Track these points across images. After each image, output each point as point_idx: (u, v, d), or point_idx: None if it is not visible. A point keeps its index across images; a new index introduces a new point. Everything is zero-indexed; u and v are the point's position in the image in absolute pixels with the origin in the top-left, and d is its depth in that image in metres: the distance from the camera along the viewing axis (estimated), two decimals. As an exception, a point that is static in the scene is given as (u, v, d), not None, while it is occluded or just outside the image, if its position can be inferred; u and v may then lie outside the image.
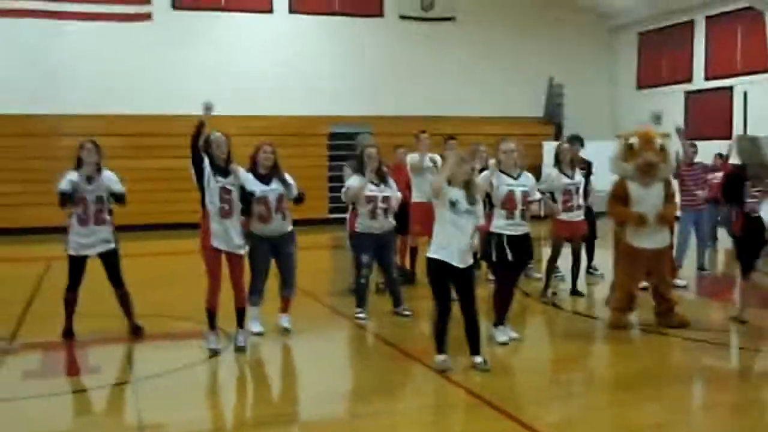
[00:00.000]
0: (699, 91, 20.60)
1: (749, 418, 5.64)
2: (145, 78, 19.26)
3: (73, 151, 16.62)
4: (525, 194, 7.13)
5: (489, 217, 7.12)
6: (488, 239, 7.10)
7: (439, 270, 6.30)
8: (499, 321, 7.33)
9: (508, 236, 7.07)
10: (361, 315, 8.48)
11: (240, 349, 7.18)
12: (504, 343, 7.21)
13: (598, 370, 7.00)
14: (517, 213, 7.09)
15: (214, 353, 7.08)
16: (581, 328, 8.39)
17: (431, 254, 6.35)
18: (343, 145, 18.03)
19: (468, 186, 6.33)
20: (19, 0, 18.36)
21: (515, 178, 7.19)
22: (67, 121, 18.66)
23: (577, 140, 10.63)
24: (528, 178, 7.36)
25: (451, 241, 6.22)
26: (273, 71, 20.17)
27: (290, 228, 7.83)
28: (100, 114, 18.58)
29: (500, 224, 7.09)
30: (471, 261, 6.42)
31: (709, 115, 19.82)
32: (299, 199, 7.79)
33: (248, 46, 20.23)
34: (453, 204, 6.21)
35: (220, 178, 6.99)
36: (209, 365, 6.99)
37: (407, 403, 6.01)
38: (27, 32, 18.60)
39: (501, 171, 7.20)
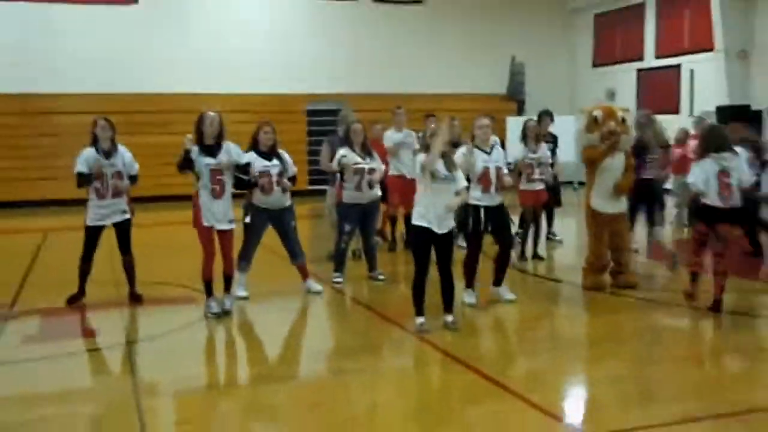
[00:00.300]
0: (650, 69, 20.66)
1: (697, 370, 5.73)
2: (133, 58, 19.02)
3: (67, 128, 16.59)
4: (498, 169, 7.15)
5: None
6: (465, 210, 7.06)
7: (421, 235, 6.34)
8: (468, 284, 7.36)
9: (485, 207, 7.10)
10: (338, 279, 8.49)
11: (226, 312, 7.19)
12: (472, 305, 7.26)
13: (560, 329, 7.04)
14: (492, 187, 7.12)
15: (216, 316, 7.07)
16: (544, 290, 8.45)
17: (414, 221, 6.38)
18: (321, 120, 17.97)
19: (445, 155, 6.34)
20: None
21: (488, 153, 7.21)
22: (61, 99, 18.40)
23: (547, 115, 10.69)
24: (499, 152, 7.40)
25: (429, 209, 6.25)
26: (254, 51, 19.97)
27: (289, 202, 7.84)
28: (92, 92, 18.32)
29: (476, 196, 7.09)
30: (451, 225, 6.43)
31: (659, 91, 19.91)
32: (292, 179, 7.81)
33: (229, 27, 19.98)
34: (433, 174, 6.22)
35: (209, 160, 6.92)
36: (200, 328, 6.95)
37: (387, 361, 6.04)
38: (20, 15, 18.27)
39: (476, 146, 7.18)
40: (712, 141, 7.25)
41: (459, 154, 7.01)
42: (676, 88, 19.54)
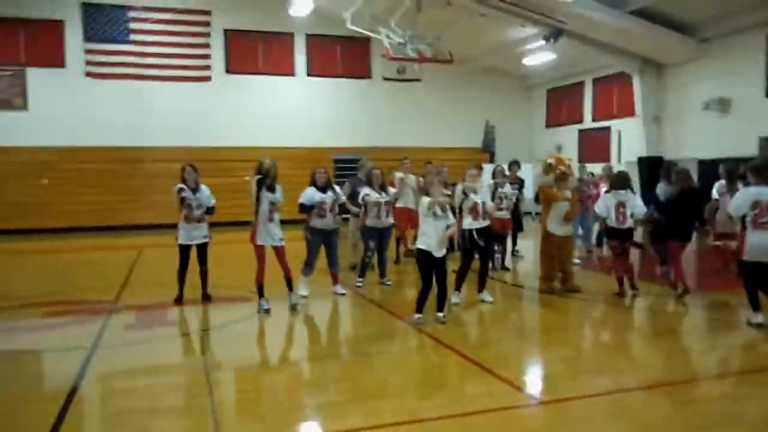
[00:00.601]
0: (588, 129, 20.64)
1: (626, 351, 5.69)
2: (208, 120, 19.27)
3: (154, 172, 16.67)
4: (484, 203, 7.20)
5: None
6: (462, 234, 7.18)
7: (424, 257, 6.37)
8: (457, 288, 7.33)
9: (476, 229, 7.12)
10: (360, 283, 8.50)
11: (293, 307, 7.23)
12: (456, 304, 7.23)
13: (522, 323, 7.00)
14: (480, 215, 7.15)
15: (267, 312, 7.06)
16: (510, 294, 8.41)
17: (420, 245, 6.43)
18: (344, 167, 17.99)
19: (440, 201, 6.42)
20: (120, 67, 18.38)
21: (476, 193, 7.22)
22: (150, 151, 18.63)
23: (516, 164, 10.71)
24: (486, 192, 7.50)
25: (432, 237, 6.31)
26: (294, 116, 20.17)
27: (337, 225, 7.86)
28: (174, 146, 18.54)
29: (468, 222, 7.14)
30: (445, 251, 6.44)
31: (594, 146, 19.87)
32: (342, 206, 7.98)
33: (278, 98, 20.21)
34: (434, 213, 6.33)
35: (269, 194, 6.95)
36: (260, 319, 6.94)
37: (397, 345, 5.99)
38: (129, 89, 18.59)
39: (466, 188, 7.22)
40: (616, 182, 7.93)
41: (458, 193, 7.25)
42: (607, 144, 19.51)
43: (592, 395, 4.42)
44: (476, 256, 7.31)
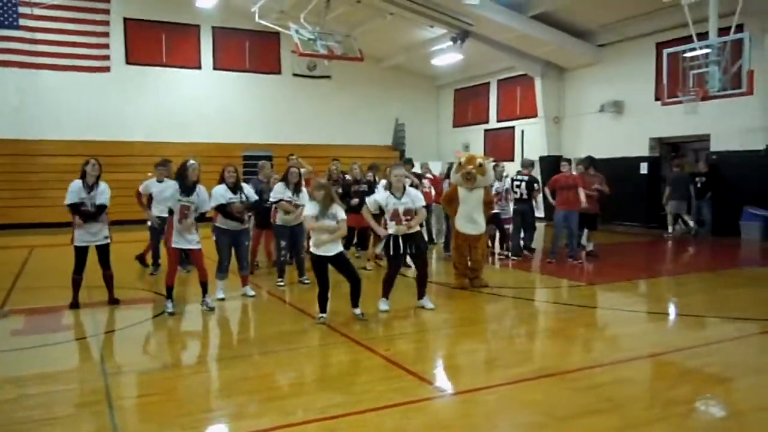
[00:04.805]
0: (493, 129, 21.31)
1: (527, 343, 5.92)
2: (106, 113, 18.37)
3: (49, 167, 15.70)
4: (412, 209, 6.77)
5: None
6: (387, 239, 6.80)
7: (317, 259, 6.28)
8: (384, 295, 6.97)
9: (402, 236, 6.72)
10: (281, 283, 8.41)
11: (210, 309, 7.01)
12: (385, 311, 6.87)
13: (430, 317, 7.01)
14: (402, 221, 6.73)
15: (171, 314, 6.80)
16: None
17: (311, 249, 6.34)
18: (253, 165, 17.62)
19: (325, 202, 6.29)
20: (8, 54, 17.20)
21: (399, 198, 6.77)
22: (47, 144, 17.57)
23: (409, 162, 10.88)
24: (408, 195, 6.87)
25: (319, 238, 6.22)
26: (201, 110, 19.63)
27: (246, 225, 7.67)
28: (71, 139, 17.55)
29: (392, 228, 6.73)
30: (340, 248, 6.37)
31: (499, 145, 20.51)
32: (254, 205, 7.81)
33: (183, 91, 19.58)
34: (316, 217, 6.24)
35: (183, 198, 6.68)
36: (165, 321, 6.68)
37: (306, 343, 5.92)
38: (18, 78, 17.45)
39: (391, 192, 6.80)
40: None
41: (382, 196, 6.87)
42: (511, 143, 20.23)
43: (494, 386, 4.55)
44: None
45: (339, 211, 6.35)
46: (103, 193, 7.09)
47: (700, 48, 11.35)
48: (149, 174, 8.43)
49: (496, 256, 11.08)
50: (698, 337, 5.97)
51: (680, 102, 11.79)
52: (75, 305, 7.11)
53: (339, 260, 6.36)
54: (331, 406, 4.13)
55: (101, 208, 7.07)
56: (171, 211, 6.82)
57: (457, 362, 5.38)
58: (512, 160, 18.89)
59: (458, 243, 8.15)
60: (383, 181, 9.31)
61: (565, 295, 8.07)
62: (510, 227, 10.90)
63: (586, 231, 10.97)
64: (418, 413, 4.08)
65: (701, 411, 4.21)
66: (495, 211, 9.77)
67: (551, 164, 16.75)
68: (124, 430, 3.83)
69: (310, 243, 6.34)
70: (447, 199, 8.31)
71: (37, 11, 17.01)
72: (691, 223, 14.11)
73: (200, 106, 19.63)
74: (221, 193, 7.35)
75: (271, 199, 8.40)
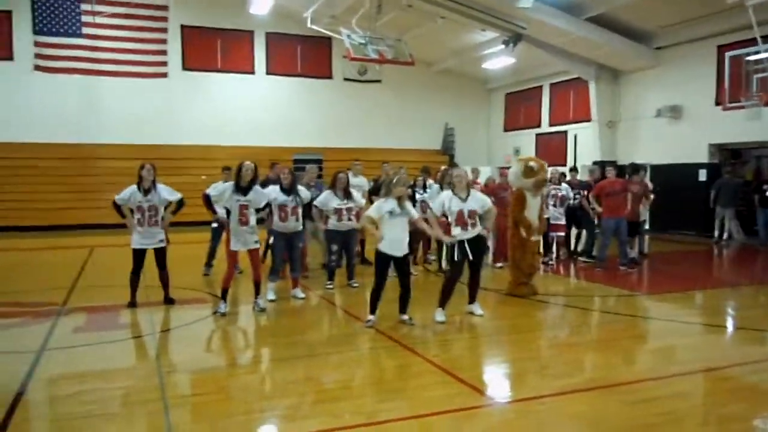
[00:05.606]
0: (545, 133, 21.06)
1: (577, 353, 5.82)
2: (162, 118, 18.92)
3: (107, 171, 16.24)
4: (471, 211, 6.58)
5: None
6: (451, 246, 6.68)
7: (382, 258, 6.31)
8: (441, 305, 6.75)
9: (466, 239, 6.56)
10: (330, 286, 8.49)
11: (262, 310, 7.13)
12: (442, 322, 6.64)
13: (479, 323, 6.95)
14: (468, 225, 6.58)
15: (223, 314, 6.95)
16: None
17: (378, 247, 6.32)
18: (303, 167, 17.87)
19: (400, 199, 6.32)
20: (71, 61, 17.91)
21: (463, 200, 6.58)
22: (105, 148, 18.22)
23: (456, 165, 10.91)
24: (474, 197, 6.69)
25: (388, 237, 6.24)
26: (253, 115, 20.00)
27: (300, 228, 7.76)
28: (127, 143, 18.16)
29: (457, 233, 6.56)
30: (406, 250, 6.36)
31: (551, 149, 20.25)
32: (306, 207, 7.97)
33: (237, 96, 20.01)
34: (390, 212, 6.24)
35: (239, 197, 6.81)
36: (217, 322, 6.85)
37: (356, 347, 5.98)
38: (79, 83, 18.10)
39: (454, 193, 6.62)
40: None
41: (444, 197, 6.70)
42: (564, 148, 19.95)
43: (544, 396, 4.49)
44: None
45: (412, 210, 6.42)
46: (172, 194, 7.33)
47: (765, 51, 10.96)
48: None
49: (579, 262, 11.03)
50: (757, 353, 5.76)
51: (742, 107, 11.41)
52: (132, 304, 7.34)
53: (404, 263, 6.39)
54: (379, 411, 4.16)
55: (181, 204, 7.37)
56: (228, 213, 6.99)
57: (506, 370, 5.33)
58: (564, 164, 18.58)
59: (521, 250, 7.92)
60: (435, 186, 9.37)
61: (616, 304, 7.89)
62: (557, 235, 10.79)
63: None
64: (467, 421, 4.06)
65: (759, 429, 4.07)
66: (546, 215, 9.65)
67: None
68: (177, 428, 3.95)
69: (381, 241, 6.24)
70: (520, 208, 7.87)
71: (98, 20, 17.71)
72: (735, 233, 13.66)
73: (253, 110, 20.03)
74: (273, 195, 7.49)
75: (317, 205, 8.42)
